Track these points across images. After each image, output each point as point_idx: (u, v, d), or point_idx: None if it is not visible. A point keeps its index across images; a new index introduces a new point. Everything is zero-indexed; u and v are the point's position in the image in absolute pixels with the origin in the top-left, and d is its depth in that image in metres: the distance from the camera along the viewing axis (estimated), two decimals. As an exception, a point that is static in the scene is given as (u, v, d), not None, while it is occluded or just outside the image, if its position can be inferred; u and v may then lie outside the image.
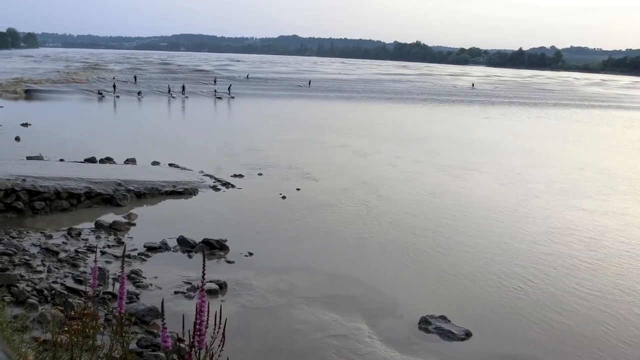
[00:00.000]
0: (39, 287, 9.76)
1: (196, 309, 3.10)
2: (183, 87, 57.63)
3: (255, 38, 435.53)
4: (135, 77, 68.28)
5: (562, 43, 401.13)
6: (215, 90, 58.89)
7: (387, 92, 70.22)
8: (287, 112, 45.59)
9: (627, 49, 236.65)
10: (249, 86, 67.48)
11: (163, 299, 4.15)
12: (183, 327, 3.50)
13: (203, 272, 3.24)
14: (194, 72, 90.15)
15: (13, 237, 12.65)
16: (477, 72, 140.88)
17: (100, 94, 52.67)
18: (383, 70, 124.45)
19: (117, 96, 52.56)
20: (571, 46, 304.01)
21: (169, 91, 56.28)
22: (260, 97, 57.87)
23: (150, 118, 39.92)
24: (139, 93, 53.98)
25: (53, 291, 9.66)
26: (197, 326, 3.07)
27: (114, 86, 55.26)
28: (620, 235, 15.33)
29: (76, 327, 4.24)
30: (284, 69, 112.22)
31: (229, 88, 59.52)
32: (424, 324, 9.70)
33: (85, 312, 4.32)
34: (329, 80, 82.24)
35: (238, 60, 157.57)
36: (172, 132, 31.93)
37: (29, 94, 50.26)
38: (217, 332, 3.29)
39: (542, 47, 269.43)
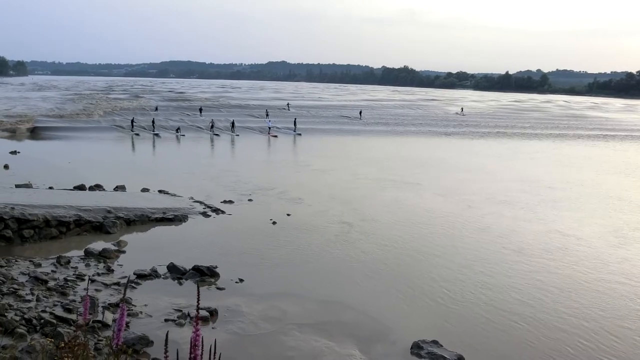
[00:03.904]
0: (28, 316, 9.66)
1: (191, 343, 3.10)
2: (233, 124, 47.43)
3: (244, 64, 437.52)
4: (200, 109, 58.68)
5: (547, 66, 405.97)
6: (269, 127, 47.29)
7: (435, 124, 59.88)
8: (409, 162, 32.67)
9: (611, 72, 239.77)
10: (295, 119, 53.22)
11: (168, 331, 4.13)
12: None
13: (197, 305, 3.24)
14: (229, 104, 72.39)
15: (1, 266, 12.54)
16: (490, 97, 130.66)
17: (133, 130, 44.06)
18: (392, 96, 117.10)
19: (157, 134, 43.51)
20: (557, 69, 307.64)
21: (212, 127, 46.09)
22: (324, 134, 48.27)
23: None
24: (177, 130, 45.10)
25: (42, 320, 9.57)
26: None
27: (153, 122, 45.85)
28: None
29: (67, 357, 4.23)
30: (288, 95, 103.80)
31: (294, 122, 49.01)
32: (416, 349, 9.68)
33: (76, 342, 4.31)
34: (366, 109, 68.97)
35: (233, 87, 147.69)
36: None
37: (37, 133, 42.22)
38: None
39: (528, 71, 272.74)
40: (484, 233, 17.46)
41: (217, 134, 45.19)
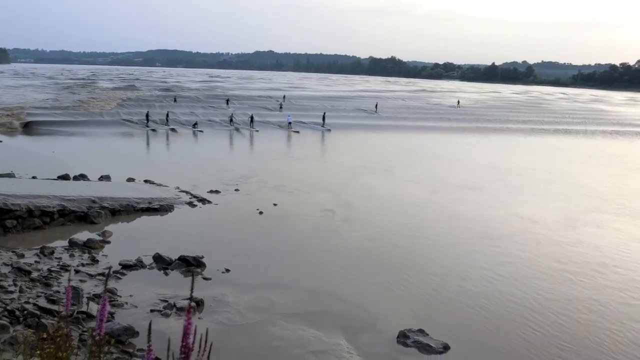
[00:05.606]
0: (11, 307, 9.52)
1: (184, 331, 3.05)
2: (251, 119, 43.87)
3: (231, 53, 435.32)
4: (227, 101, 55.99)
5: (533, 58, 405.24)
6: (289, 123, 43.70)
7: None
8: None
9: (595, 64, 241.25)
10: (309, 113, 50.83)
11: (151, 321, 4.06)
12: (168, 351, 3.44)
13: (191, 294, 3.17)
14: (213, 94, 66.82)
15: (-17, 257, 12.35)
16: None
17: (148, 126, 40.52)
18: (388, 87, 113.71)
19: (172, 129, 40.76)
20: (542, 61, 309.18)
21: (231, 121, 43.60)
22: (351, 129, 44.65)
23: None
24: (194, 125, 41.74)
25: (25, 312, 9.43)
26: (183, 348, 3.04)
27: (167, 115, 42.99)
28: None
29: (49, 349, 4.14)
30: (283, 85, 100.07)
31: (323, 117, 46.21)
32: (402, 337, 9.70)
33: (59, 333, 4.22)
34: (374, 101, 64.84)
35: (222, 77, 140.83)
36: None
37: (31, 128, 37.12)
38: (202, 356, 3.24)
39: (514, 62, 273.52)
40: (454, 219, 18.02)
41: (236, 128, 42.65)
